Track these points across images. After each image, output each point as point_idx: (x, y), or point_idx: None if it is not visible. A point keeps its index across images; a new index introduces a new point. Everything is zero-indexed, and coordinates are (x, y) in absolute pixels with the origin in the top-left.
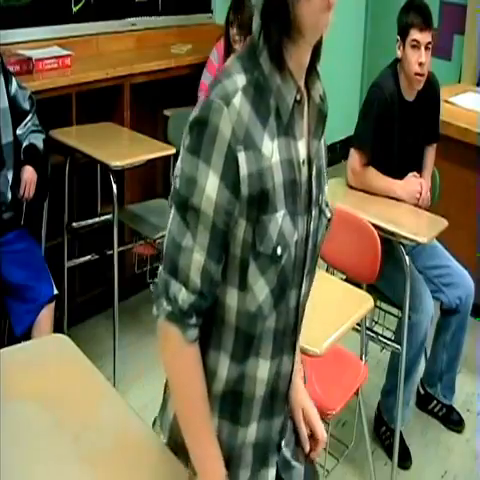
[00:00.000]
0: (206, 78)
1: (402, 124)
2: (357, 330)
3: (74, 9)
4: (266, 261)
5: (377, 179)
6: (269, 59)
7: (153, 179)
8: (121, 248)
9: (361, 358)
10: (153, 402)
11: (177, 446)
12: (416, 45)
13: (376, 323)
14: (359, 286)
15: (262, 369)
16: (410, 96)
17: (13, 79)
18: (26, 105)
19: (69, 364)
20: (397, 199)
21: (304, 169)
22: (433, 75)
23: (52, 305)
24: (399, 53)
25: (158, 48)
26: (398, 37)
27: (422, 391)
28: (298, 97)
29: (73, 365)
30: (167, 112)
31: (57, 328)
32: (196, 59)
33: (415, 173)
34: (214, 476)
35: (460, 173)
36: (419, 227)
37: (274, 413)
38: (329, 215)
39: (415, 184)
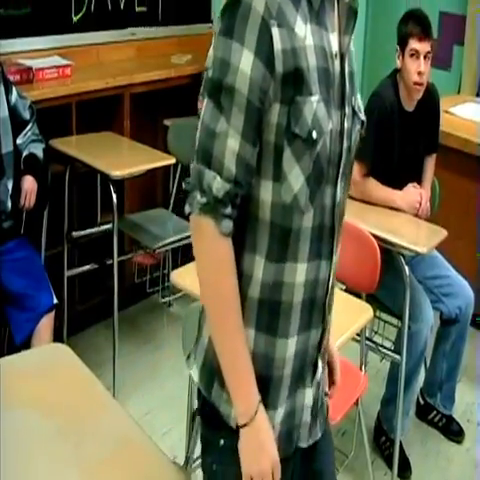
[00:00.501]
0: None
1: (402, 134)
2: (357, 340)
3: (74, 19)
4: (301, 146)
5: (377, 189)
6: None
7: (153, 188)
8: (121, 258)
9: (361, 368)
10: (152, 411)
11: (211, 372)
12: (415, 54)
13: (376, 333)
14: (358, 296)
15: (299, 273)
16: (410, 106)
17: (13, 88)
18: (26, 114)
19: (69, 373)
20: (397, 209)
21: (336, 62)
22: (433, 85)
23: (52, 314)
24: (398, 63)
25: (158, 58)
26: (397, 47)
27: (422, 401)
28: None
29: (73, 374)
30: (167, 122)
31: (57, 337)
32: (196, 69)
33: (415, 183)
34: (248, 400)
35: (460, 183)
36: (419, 237)
37: (312, 324)
38: (363, 117)
39: (415, 194)
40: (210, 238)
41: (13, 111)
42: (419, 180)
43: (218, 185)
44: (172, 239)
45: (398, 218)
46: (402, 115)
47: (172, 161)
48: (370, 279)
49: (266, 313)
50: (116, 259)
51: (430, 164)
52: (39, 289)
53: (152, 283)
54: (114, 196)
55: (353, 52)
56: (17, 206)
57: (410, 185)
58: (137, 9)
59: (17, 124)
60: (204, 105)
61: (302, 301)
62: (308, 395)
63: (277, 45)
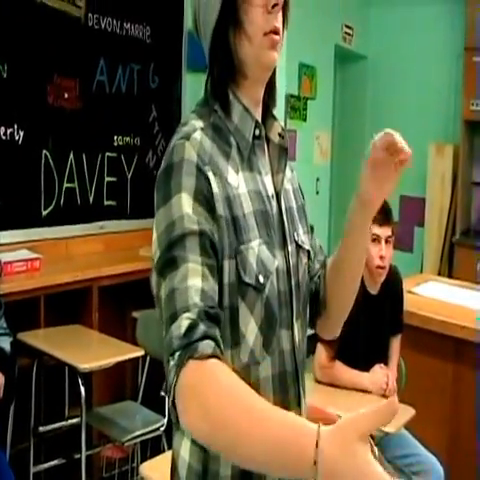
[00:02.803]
0: None
1: (367, 317)
2: None
3: (44, 213)
4: (252, 294)
5: (344, 372)
6: (219, 106)
7: (122, 381)
8: (89, 452)
9: None
10: None
11: None
12: (376, 239)
13: None
14: None
15: None
16: (374, 289)
17: None
18: None
19: None
20: (365, 390)
21: (274, 202)
22: (395, 268)
23: None
24: None
25: (126, 250)
26: None
27: None
28: (257, 132)
29: None
30: (136, 314)
31: None
32: None
33: (381, 364)
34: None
35: (425, 361)
36: None
37: None
38: (307, 248)
39: (382, 375)
40: (194, 375)
41: None
42: (385, 360)
43: (185, 322)
44: (141, 432)
45: (366, 399)
46: (366, 299)
47: (141, 353)
48: None
49: None
50: (84, 453)
51: (395, 344)
52: None
53: (121, 477)
54: (82, 389)
55: (291, 189)
56: None
57: (377, 366)
58: (106, 203)
59: None
60: (162, 291)
61: None
62: None
63: (215, 189)
